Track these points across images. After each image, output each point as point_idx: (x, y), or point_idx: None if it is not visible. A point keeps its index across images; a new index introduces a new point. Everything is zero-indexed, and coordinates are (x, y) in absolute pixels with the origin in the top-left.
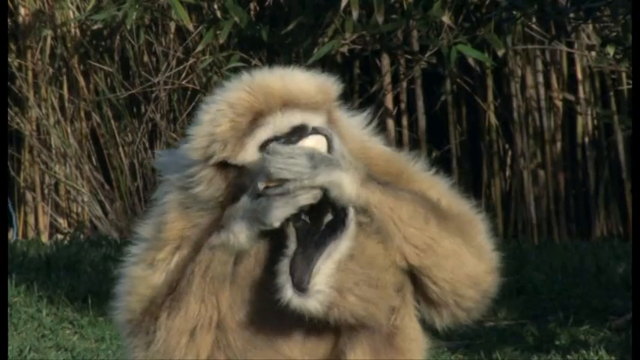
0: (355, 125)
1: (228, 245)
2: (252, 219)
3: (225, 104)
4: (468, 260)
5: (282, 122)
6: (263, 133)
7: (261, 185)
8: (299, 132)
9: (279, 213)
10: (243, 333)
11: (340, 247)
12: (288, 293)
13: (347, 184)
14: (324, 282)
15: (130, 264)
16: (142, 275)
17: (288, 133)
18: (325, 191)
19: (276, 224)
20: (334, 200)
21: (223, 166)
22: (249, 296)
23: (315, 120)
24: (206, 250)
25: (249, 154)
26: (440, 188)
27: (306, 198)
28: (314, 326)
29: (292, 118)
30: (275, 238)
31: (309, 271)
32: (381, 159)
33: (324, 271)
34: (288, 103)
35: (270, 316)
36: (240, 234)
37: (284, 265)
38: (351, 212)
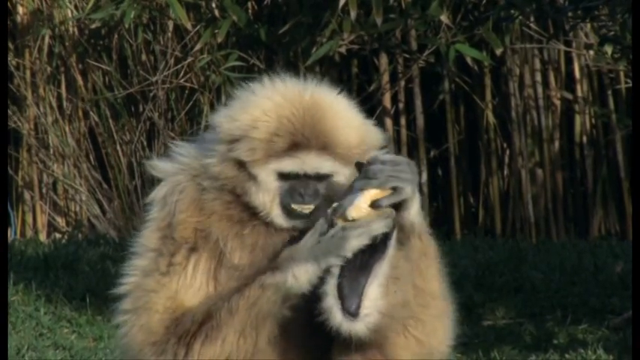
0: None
1: (284, 287)
2: (324, 254)
3: (273, 114)
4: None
5: (311, 165)
6: (289, 166)
7: (337, 221)
8: (322, 179)
9: (355, 243)
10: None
11: (384, 270)
12: (338, 317)
13: (417, 207)
14: (373, 306)
15: (139, 277)
16: (157, 286)
17: (310, 176)
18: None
19: (349, 255)
20: (400, 221)
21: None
22: (285, 333)
23: (342, 172)
24: (256, 286)
25: (265, 173)
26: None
27: (381, 227)
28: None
29: (323, 165)
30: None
31: (358, 294)
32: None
33: (372, 294)
34: (326, 148)
35: (302, 352)
36: (302, 276)
37: (331, 287)
38: (394, 235)
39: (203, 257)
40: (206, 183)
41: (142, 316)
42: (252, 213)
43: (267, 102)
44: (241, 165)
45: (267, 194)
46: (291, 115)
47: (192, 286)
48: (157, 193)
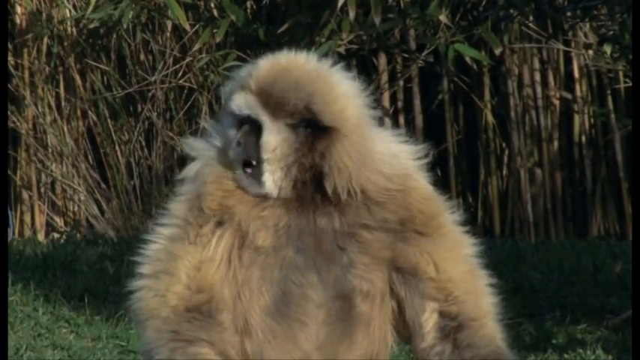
0: (399, 151)
1: None
2: None
3: (258, 70)
4: None
5: (238, 103)
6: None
7: None
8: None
9: None
10: (265, 319)
11: None
12: None
13: None
14: None
15: (166, 243)
16: (184, 253)
17: (242, 118)
18: None
19: None
20: None
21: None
22: (277, 280)
23: (270, 125)
24: None
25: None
26: (463, 252)
27: None
28: (330, 320)
29: (249, 105)
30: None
31: None
32: (420, 195)
33: None
34: (262, 94)
35: (292, 303)
36: None
37: None
38: None
39: (227, 232)
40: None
41: (163, 281)
42: (271, 202)
43: (261, 62)
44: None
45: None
46: (269, 68)
47: (213, 259)
48: (190, 170)
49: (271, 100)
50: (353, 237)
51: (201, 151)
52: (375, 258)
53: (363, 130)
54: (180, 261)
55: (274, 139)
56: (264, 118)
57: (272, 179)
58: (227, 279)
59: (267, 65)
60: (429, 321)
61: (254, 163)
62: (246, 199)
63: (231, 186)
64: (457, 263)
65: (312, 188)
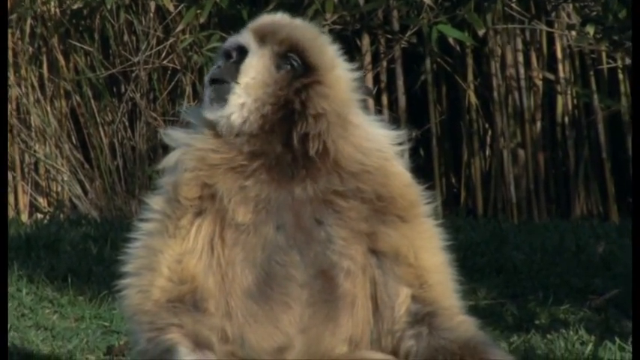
0: (379, 134)
1: None
2: None
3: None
4: None
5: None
6: None
7: None
8: None
9: None
10: (246, 301)
11: None
12: None
13: None
14: None
15: (146, 238)
16: (163, 247)
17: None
18: None
19: None
20: None
21: None
22: (260, 261)
23: (256, 51)
24: None
25: None
26: (438, 244)
27: None
28: (312, 301)
29: (238, 39)
30: (283, 203)
31: None
32: (401, 181)
33: None
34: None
35: (275, 283)
36: None
37: None
38: None
39: (207, 221)
40: (211, 140)
41: (145, 277)
42: (254, 164)
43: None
44: None
45: None
46: (266, 17)
47: (193, 250)
48: (169, 160)
49: (264, 30)
50: (329, 206)
51: (181, 140)
52: (352, 231)
53: (347, 97)
54: (161, 255)
55: (257, 63)
56: (251, 44)
57: (239, 103)
58: (211, 268)
59: (265, 16)
60: (402, 305)
61: (227, 80)
62: (230, 170)
63: (216, 160)
64: (433, 254)
65: (280, 138)
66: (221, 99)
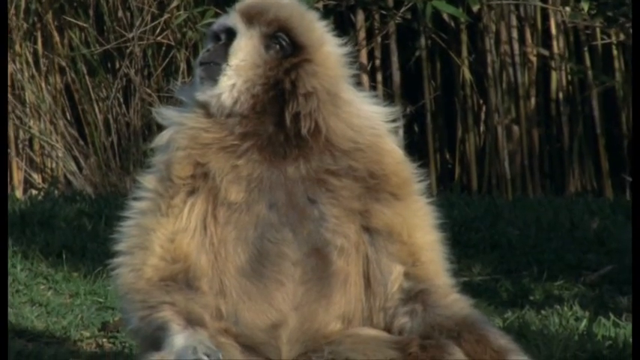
0: (371, 111)
1: None
2: None
3: None
4: None
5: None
6: None
7: None
8: None
9: None
10: (240, 279)
11: None
12: None
13: None
14: None
15: (138, 217)
16: (156, 225)
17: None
18: None
19: None
20: None
21: None
22: (252, 239)
23: (244, 32)
24: None
25: None
26: (431, 222)
27: None
28: (306, 278)
29: (226, 21)
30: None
31: None
32: (394, 158)
33: None
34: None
35: (268, 261)
36: None
37: None
38: None
39: (199, 199)
40: (203, 120)
41: (137, 256)
42: (245, 144)
43: None
44: None
45: None
46: None
47: (186, 229)
48: (161, 139)
49: (252, 11)
50: (322, 185)
51: (173, 119)
52: (345, 209)
53: (337, 73)
54: (154, 234)
55: (245, 44)
56: (240, 26)
57: (229, 84)
58: (204, 247)
59: None
60: (395, 282)
61: (217, 62)
62: (223, 149)
63: (208, 139)
64: (426, 232)
65: (272, 118)
66: (211, 79)
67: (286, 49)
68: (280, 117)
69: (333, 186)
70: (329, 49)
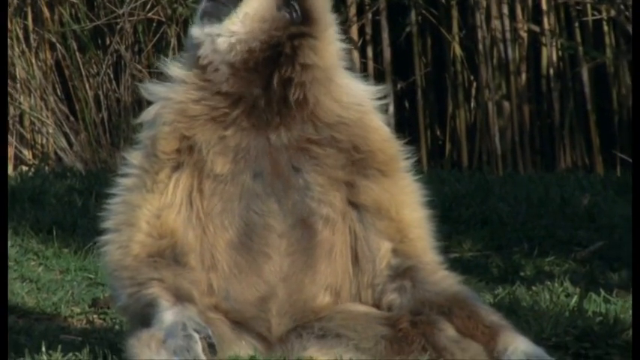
0: (359, 89)
1: None
2: None
3: None
4: None
5: None
6: None
7: None
8: None
9: None
10: (230, 253)
11: None
12: None
13: None
14: None
15: (125, 194)
16: (142, 202)
17: None
18: None
19: None
20: None
21: None
22: (238, 211)
23: None
24: None
25: None
26: (418, 199)
27: None
28: (291, 250)
29: None
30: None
31: None
32: (380, 135)
33: None
34: None
35: (254, 234)
36: None
37: None
38: None
39: (185, 174)
40: (192, 90)
41: (124, 232)
42: (235, 112)
43: None
44: None
45: None
46: None
47: (172, 204)
48: (147, 115)
49: None
50: (306, 153)
51: (160, 94)
52: (330, 178)
53: (335, 59)
54: (140, 210)
55: None
56: None
57: (231, 29)
58: (190, 222)
59: None
60: (383, 259)
61: (227, 2)
62: (210, 119)
63: (197, 110)
64: (414, 209)
65: (261, 79)
66: (215, 17)
67: (296, 18)
68: (269, 79)
69: (317, 154)
70: (333, 34)
